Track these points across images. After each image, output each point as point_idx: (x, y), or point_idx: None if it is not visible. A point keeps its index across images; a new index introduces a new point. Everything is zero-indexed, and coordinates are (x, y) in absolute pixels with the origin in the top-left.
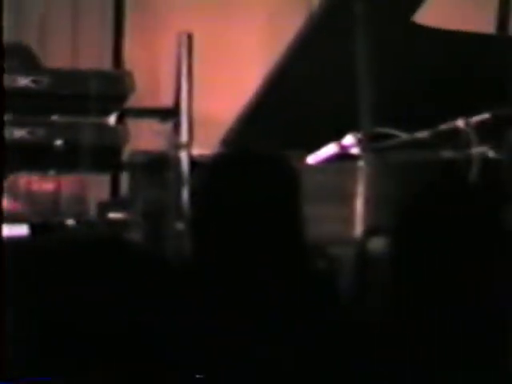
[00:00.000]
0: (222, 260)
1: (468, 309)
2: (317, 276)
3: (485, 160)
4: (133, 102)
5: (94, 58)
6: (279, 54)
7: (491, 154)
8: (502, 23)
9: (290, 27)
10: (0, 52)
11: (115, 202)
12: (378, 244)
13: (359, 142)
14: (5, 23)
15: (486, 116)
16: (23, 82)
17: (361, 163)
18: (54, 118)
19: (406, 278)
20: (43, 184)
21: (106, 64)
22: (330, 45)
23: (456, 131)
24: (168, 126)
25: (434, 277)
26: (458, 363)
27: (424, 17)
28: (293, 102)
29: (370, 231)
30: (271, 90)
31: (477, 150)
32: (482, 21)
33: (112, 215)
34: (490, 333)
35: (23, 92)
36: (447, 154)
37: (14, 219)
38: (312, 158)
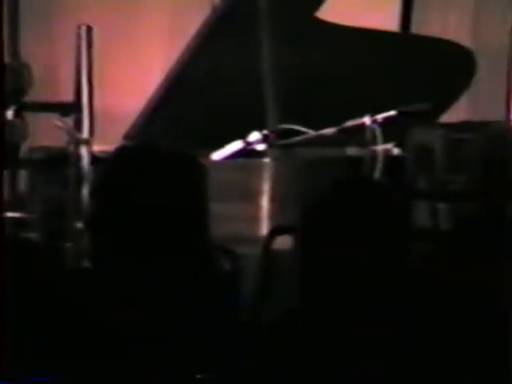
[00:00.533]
0: (123, 260)
1: (376, 304)
2: (221, 275)
3: (389, 157)
4: (32, 96)
5: None
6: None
7: (396, 151)
8: (405, 21)
9: (193, 23)
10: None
11: (13, 200)
12: (284, 242)
13: (265, 139)
14: None
15: (392, 113)
16: None
17: (266, 160)
18: None
19: (312, 276)
20: None
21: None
22: (234, 41)
23: (362, 128)
24: (69, 121)
25: (340, 274)
26: (360, 359)
27: (328, 13)
28: (195, 98)
29: (276, 229)
30: (173, 86)
31: (382, 147)
32: (386, 18)
33: (9, 214)
34: (392, 328)
35: None
36: (353, 150)
37: None
38: (217, 155)
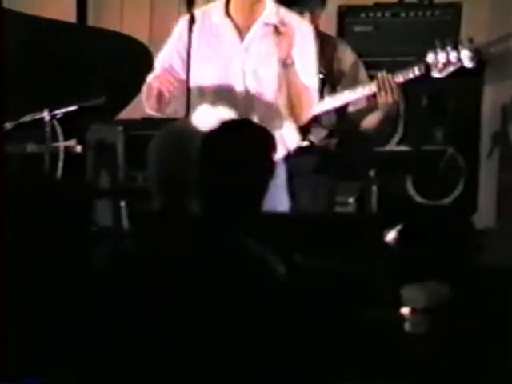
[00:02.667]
0: None
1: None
2: None
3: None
4: None
5: None
6: None
7: (79, 148)
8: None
9: None
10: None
11: None
12: None
13: None
14: None
15: (72, 108)
16: None
17: None
18: None
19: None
20: None
21: None
22: None
23: (41, 124)
24: None
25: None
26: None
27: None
28: None
29: None
30: None
31: (64, 143)
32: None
33: None
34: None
35: None
36: (33, 147)
37: None
38: None
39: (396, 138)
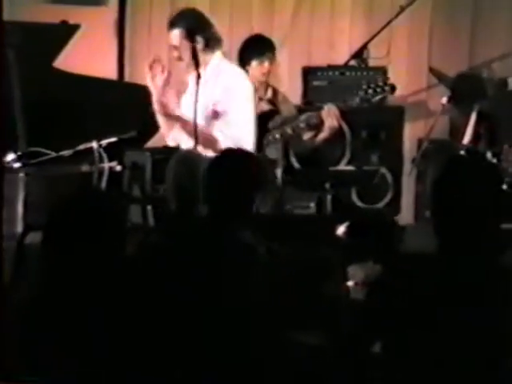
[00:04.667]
0: None
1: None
2: None
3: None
4: None
5: None
6: None
7: (118, 167)
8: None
9: None
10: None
11: None
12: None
13: (19, 159)
14: None
15: (113, 139)
16: None
17: (21, 174)
18: None
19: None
20: None
21: None
22: None
23: (91, 151)
24: None
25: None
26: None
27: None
28: None
29: (28, 228)
30: None
31: (107, 164)
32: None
33: None
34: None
35: None
36: (86, 168)
37: None
38: None
39: (345, 160)
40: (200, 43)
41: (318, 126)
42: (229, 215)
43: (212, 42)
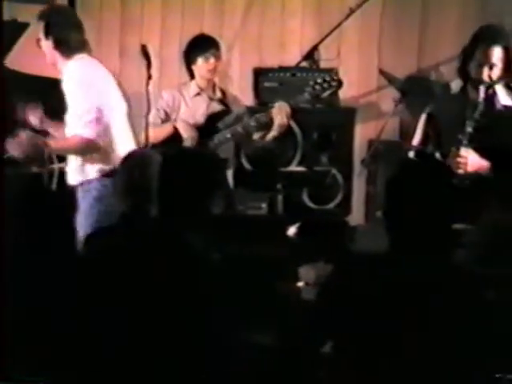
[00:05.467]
0: None
1: None
2: None
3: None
4: None
5: None
6: None
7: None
8: None
9: None
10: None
11: None
12: None
13: None
14: None
15: None
16: None
17: None
18: None
19: None
20: None
21: None
22: None
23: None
24: None
25: None
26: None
27: None
28: None
29: None
30: None
31: (58, 165)
32: None
33: None
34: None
35: None
36: (35, 168)
37: None
38: None
39: (296, 162)
40: (50, 41)
41: (268, 125)
42: (180, 215)
43: (67, 45)
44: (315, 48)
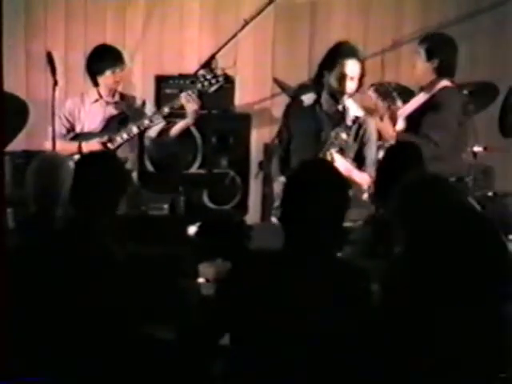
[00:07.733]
0: None
1: None
2: None
3: None
4: None
5: None
6: None
7: None
8: None
9: None
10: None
11: None
12: None
13: None
14: None
15: None
16: None
17: None
18: None
19: None
20: None
21: None
22: None
23: None
24: None
25: None
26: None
27: None
28: None
29: None
30: None
31: None
32: None
33: None
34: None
35: None
36: None
37: None
38: None
39: (196, 164)
40: None
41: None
42: (90, 216)
43: None
44: (212, 57)
